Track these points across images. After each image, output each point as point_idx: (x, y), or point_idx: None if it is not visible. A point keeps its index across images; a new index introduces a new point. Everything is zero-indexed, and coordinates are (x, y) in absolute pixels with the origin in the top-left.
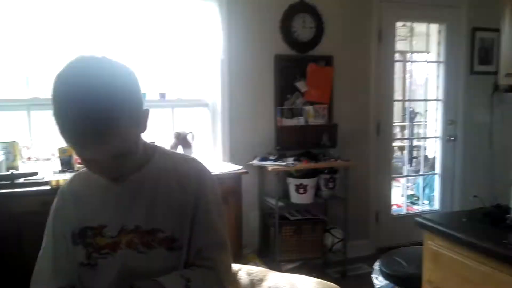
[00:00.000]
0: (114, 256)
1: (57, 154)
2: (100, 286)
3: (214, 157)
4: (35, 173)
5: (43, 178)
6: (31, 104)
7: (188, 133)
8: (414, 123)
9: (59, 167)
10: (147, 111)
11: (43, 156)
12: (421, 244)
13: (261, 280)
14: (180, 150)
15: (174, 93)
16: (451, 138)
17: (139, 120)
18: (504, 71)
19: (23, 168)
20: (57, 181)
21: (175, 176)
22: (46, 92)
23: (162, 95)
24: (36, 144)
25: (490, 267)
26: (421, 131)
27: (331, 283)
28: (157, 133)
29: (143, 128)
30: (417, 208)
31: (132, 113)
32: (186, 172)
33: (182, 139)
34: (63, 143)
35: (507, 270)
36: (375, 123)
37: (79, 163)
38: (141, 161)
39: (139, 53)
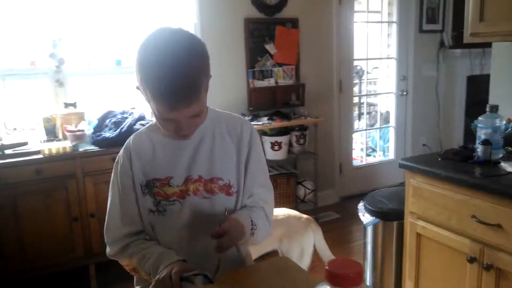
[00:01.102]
0: (182, 202)
1: (42, 124)
2: (171, 229)
3: None
4: (25, 143)
5: (31, 148)
6: (4, 75)
7: None
8: (362, 81)
9: (45, 137)
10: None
11: (28, 126)
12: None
13: None
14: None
15: None
16: (404, 93)
17: (208, 84)
18: (468, 31)
19: (8, 139)
20: (50, 149)
21: (227, 130)
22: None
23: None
24: (19, 114)
25: (464, 195)
26: (370, 88)
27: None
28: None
29: (207, 91)
30: (373, 159)
31: (207, 79)
32: (239, 126)
33: None
34: (47, 113)
35: (479, 196)
36: (338, 82)
37: (67, 131)
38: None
39: (112, 19)
